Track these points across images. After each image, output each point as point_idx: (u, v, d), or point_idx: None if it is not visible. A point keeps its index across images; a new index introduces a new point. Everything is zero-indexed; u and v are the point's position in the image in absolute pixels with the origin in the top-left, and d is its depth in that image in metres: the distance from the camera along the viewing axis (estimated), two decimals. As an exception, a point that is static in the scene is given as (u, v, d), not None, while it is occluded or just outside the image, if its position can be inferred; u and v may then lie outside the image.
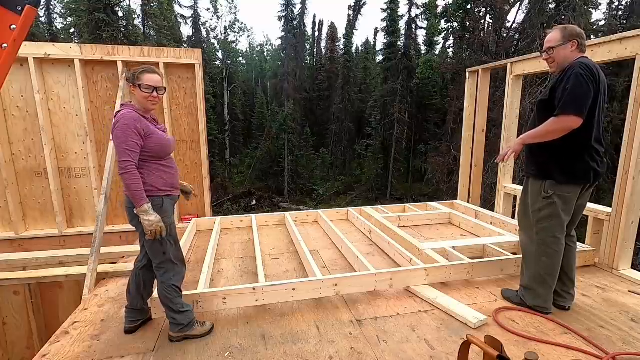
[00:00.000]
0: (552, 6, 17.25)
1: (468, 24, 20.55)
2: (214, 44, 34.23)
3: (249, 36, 63.15)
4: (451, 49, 27.94)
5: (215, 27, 36.66)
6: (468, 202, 5.35)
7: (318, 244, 4.03)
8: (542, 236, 2.36)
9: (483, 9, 20.58)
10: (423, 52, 31.33)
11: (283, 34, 31.12)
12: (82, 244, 4.24)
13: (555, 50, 2.27)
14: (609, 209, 3.21)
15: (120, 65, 4.19)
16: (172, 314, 2.20)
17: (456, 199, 5.55)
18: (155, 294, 2.41)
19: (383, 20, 28.24)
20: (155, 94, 2.15)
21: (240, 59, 39.82)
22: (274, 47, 44.03)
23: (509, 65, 4.36)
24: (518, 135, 4.76)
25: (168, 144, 2.20)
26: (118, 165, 1.99)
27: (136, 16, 25.50)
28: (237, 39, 44.10)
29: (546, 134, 2.20)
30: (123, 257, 3.68)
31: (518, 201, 4.26)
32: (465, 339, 1.70)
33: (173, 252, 2.18)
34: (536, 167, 2.36)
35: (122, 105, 2.18)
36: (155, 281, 2.34)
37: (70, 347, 2.20)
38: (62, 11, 26.32)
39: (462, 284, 2.96)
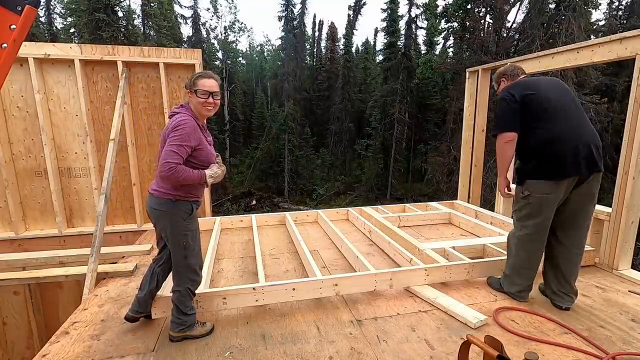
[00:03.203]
0: (552, 6, 17.26)
1: (468, 24, 20.55)
2: (214, 44, 34.24)
3: (249, 36, 63.27)
4: (451, 49, 27.95)
5: (215, 27, 36.68)
6: (468, 202, 5.35)
7: (318, 244, 4.03)
8: (522, 233, 2.56)
9: (483, 9, 20.58)
10: (423, 52, 31.31)
11: (283, 34, 31.12)
12: (82, 244, 4.24)
13: (497, 90, 2.89)
14: (609, 209, 3.22)
15: (120, 65, 4.19)
16: (179, 314, 2.21)
17: (456, 199, 5.54)
18: (160, 293, 2.42)
19: (383, 20, 28.23)
20: (210, 99, 2.14)
21: (240, 59, 39.82)
22: (274, 47, 44.06)
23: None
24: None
25: (212, 159, 2.22)
26: (161, 167, 1.97)
27: (136, 16, 25.53)
28: (237, 39, 44.19)
29: (500, 157, 2.62)
30: (123, 257, 3.68)
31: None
32: (465, 339, 1.70)
33: (193, 259, 2.20)
34: (516, 173, 2.60)
35: (181, 105, 2.17)
36: (166, 281, 2.38)
37: (70, 347, 2.19)
38: (62, 11, 26.33)
39: (462, 284, 2.96)
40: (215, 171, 2.16)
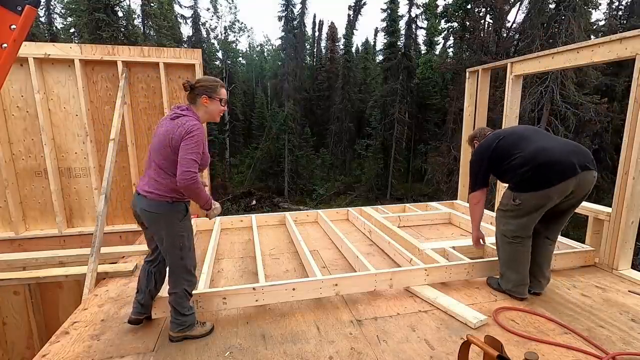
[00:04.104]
0: (552, 6, 17.25)
1: (468, 24, 20.57)
2: (214, 44, 34.24)
3: (249, 36, 63.26)
4: (451, 49, 28.01)
5: (215, 27, 36.73)
6: (468, 202, 5.34)
7: (318, 244, 4.03)
8: (505, 229, 2.68)
9: (483, 9, 20.59)
10: (423, 52, 31.33)
11: (283, 34, 31.13)
12: (82, 244, 4.23)
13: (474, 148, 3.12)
14: (609, 209, 3.21)
15: (120, 65, 4.18)
16: (177, 315, 2.20)
17: (456, 199, 5.54)
18: (160, 293, 2.42)
19: (383, 20, 28.24)
20: (225, 107, 2.27)
21: (240, 59, 39.83)
22: (274, 47, 44.08)
23: (509, 65, 4.36)
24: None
25: (208, 162, 2.26)
26: (183, 175, 1.94)
27: (136, 16, 25.55)
28: (237, 39, 44.12)
29: (471, 216, 3.11)
30: (123, 257, 3.68)
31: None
32: (465, 339, 1.70)
33: (189, 260, 2.20)
34: (508, 185, 2.70)
35: (187, 109, 2.14)
36: (165, 281, 2.37)
37: (70, 347, 2.19)
38: (62, 11, 26.33)
39: (462, 284, 2.96)
40: (217, 207, 2.27)
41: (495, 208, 4.76)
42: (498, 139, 2.69)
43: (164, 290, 2.44)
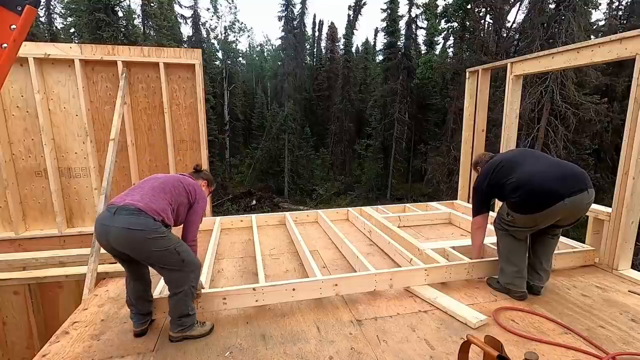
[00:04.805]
0: (552, 6, 17.25)
1: (468, 24, 20.57)
2: (214, 44, 34.24)
3: (249, 36, 63.10)
4: (451, 49, 28.01)
5: (215, 27, 36.66)
6: (468, 202, 5.34)
7: (318, 244, 4.03)
8: (501, 227, 2.79)
9: (483, 9, 20.59)
10: (423, 52, 31.34)
11: (283, 34, 31.14)
12: (82, 244, 4.23)
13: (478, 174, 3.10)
14: (609, 209, 3.21)
15: (120, 65, 4.18)
16: (179, 316, 2.18)
17: (456, 199, 5.54)
18: (159, 295, 2.42)
19: (383, 20, 28.27)
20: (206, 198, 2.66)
21: (240, 59, 39.82)
22: (274, 47, 44.11)
23: (509, 65, 4.36)
24: (518, 136, 4.84)
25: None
26: (195, 236, 2.35)
27: (136, 16, 25.56)
28: (237, 39, 44.00)
29: (473, 237, 3.10)
30: (123, 257, 3.67)
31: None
32: (466, 339, 1.70)
33: (187, 255, 2.16)
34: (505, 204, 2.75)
35: (191, 176, 2.54)
36: (161, 283, 2.37)
37: (70, 347, 2.19)
38: (62, 11, 26.31)
39: (462, 284, 2.96)
40: (200, 284, 2.43)
41: (495, 209, 4.78)
42: (495, 165, 2.77)
43: (164, 291, 2.44)
